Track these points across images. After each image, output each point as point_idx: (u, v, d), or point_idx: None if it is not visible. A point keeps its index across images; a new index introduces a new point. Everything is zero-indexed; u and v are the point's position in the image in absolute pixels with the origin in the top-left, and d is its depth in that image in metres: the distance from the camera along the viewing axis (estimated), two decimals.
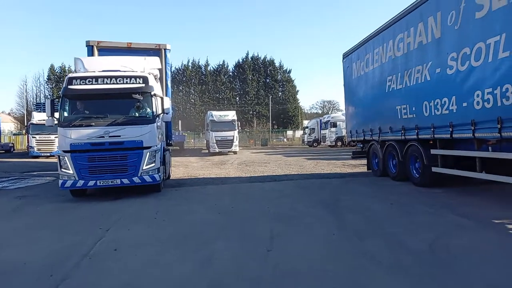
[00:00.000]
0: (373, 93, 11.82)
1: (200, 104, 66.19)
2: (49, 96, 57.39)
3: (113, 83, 9.12)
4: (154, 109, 9.40)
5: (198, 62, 72.13)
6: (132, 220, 6.84)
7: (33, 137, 27.95)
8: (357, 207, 7.33)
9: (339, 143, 38.25)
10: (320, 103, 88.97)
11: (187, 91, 70.52)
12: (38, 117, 28.25)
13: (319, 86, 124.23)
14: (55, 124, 9.32)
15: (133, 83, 9.25)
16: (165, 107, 9.78)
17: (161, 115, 9.80)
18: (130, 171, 9.07)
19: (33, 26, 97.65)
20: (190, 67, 70.85)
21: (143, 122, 9.22)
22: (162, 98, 9.74)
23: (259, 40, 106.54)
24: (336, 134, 38.28)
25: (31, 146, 28.44)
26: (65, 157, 8.85)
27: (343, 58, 14.32)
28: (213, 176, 14.32)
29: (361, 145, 13.69)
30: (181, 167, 18.89)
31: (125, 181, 9.04)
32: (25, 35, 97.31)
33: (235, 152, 30.55)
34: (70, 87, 9.03)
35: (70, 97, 9.20)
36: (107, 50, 12.22)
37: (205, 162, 23.13)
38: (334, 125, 38.56)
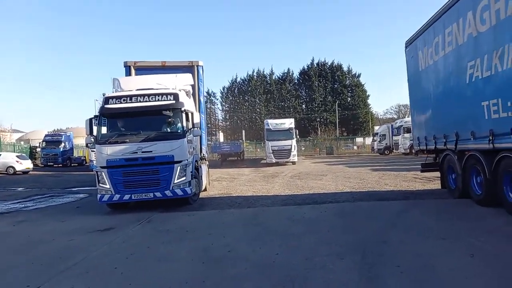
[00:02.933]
0: (446, 87, 8.81)
1: (265, 113, 64.74)
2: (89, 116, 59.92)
3: (146, 101, 9.42)
4: (185, 124, 9.65)
5: (263, 71, 71.21)
6: (83, 270, 4.95)
7: (92, 150, 28.38)
8: (411, 261, 4.60)
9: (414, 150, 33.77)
10: (395, 108, 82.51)
11: (252, 101, 69.83)
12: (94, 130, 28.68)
13: (394, 89, 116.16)
14: (92, 142, 9.68)
15: (164, 100, 9.50)
16: (195, 122, 10.11)
17: (192, 129, 9.99)
18: (162, 184, 9.26)
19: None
20: (255, 77, 70.08)
21: (173, 137, 9.46)
22: (192, 113, 10.07)
23: (325, 45, 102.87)
24: (411, 140, 33.70)
25: (91, 160, 28.94)
26: (102, 173, 9.26)
27: (406, 47, 11.35)
28: (249, 194, 12.27)
29: (433, 156, 10.58)
30: (226, 181, 17.15)
31: (158, 194, 9.26)
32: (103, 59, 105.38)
33: (293, 163, 28.15)
34: (106, 106, 9.42)
35: (107, 116, 9.58)
36: (143, 69, 12.75)
37: (257, 174, 21.19)
38: (408, 130, 34.00)
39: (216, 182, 16.75)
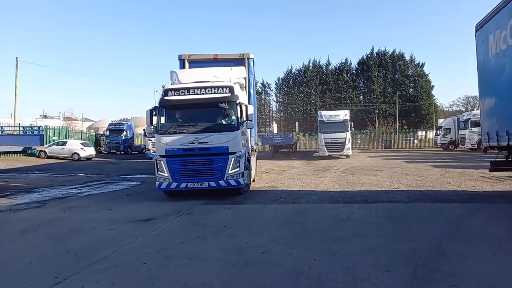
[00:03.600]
0: None
1: (321, 105, 63.16)
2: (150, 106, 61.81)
3: (202, 93, 9.69)
4: (239, 117, 9.88)
5: (319, 62, 69.50)
6: (113, 263, 4.83)
7: (149, 139, 29.42)
8: (474, 281, 3.85)
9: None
10: (463, 99, 76.58)
11: (308, 92, 68.61)
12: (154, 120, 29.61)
13: (462, 79, 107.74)
14: (152, 131, 10.31)
15: (220, 92, 9.73)
16: (249, 114, 10.20)
17: (246, 122, 10.19)
18: (217, 175, 9.54)
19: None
20: (310, 68, 68.62)
21: (228, 129, 9.71)
22: (246, 106, 10.19)
23: (386, 33, 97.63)
24: (479, 134, 30.99)
25: (147, 148, 30.04)
26: (161, 161, 9.64)
27: (476, 31, 10.04)
28: (296, 188, 11.77)
29: (505, 153, 9.32)
30: (274, 174, 16.79)
31: (212, 184, 9.54)
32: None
33: (347, 156, 27.01)
34: (166, 98, 9.75)
35: (166, 107, 9.93)
36: (196, 62, 13.06)
37: (307, 167, 20.57)
38: (477, 124, 31.13)
39: (265, 174, 16.43)
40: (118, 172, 19.59)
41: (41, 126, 29.35)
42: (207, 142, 9.48)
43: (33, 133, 25.05)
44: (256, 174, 13.83)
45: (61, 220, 7.84)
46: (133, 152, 39.65)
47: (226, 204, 9.02)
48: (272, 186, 12.48)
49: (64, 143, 28.71)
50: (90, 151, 29.02)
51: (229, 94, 9.73)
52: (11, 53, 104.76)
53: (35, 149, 28.26)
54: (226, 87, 9.85)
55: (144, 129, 35.30)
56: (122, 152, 38.53)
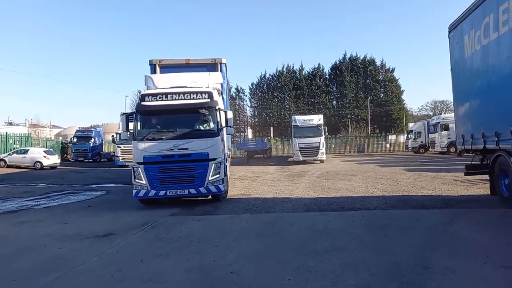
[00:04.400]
0: (500, 74, 7.44)
1: (295, 110, 63.12)
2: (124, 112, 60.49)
3: (181, 99, 9.53)
4: (219, 123, 9.79)
5: (293, 67, 69.69)
6: None
7: (118, 146, 28.31)
8: None
9: (452, 149, 31.64)
10: (431, 104, 78.69)
11: (282, 97, 68.61)
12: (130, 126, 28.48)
13: (430, 85, 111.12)
14: (128, 137, 10.13)
15: (199, 98, 9.61)
16: (229, 120, 10.13)
17: (226, 128, 10.18)
18: (197, 181, 9.38)
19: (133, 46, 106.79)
20: (284, 73, 68.70)
21: (208, 135, 9.59)
22: (226, 112, 10.17)
23: (357, 38, 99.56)
24: (449, 138, 31.76)
25: (116, 156, 28.88)
26: (139, 169, 9.35)
27: (449, 32, 9.94)
28: (270, 195, 11.30)
29: (480, 157, 9.18)
30: (248, 180, 16.27)
31: (192, 191, 9.37)
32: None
33: (321, 161, 26.85)
34: (143, 103, 9.54)
35: (143, 113, 9.68)
36: (168, 67, 12.93)
37: (282, 172, 20.18)
38: (446, 127, 32.07)
39: (238, 181, 15.90)
40: (83, 181, 18.52)
41: None
42: (187, 149, 9.31)
43: None
44: (229, 180, 13.30)
45: (8, 237, 7.02)
46: (102, 160, 38.15)
47: (195, 215, 8.42)
48: (245, 193, 11.96)
49: (26, 151, 27.02)
50: (54, 159, 27.48)
51: (208, 100, 9.63)
52: None
53: None
54: (205, 92, 9.73)
55: (112, 136, 34.12)
56: (91, 160, 37.04)
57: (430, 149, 34.99)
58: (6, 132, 31.13)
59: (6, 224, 8.25)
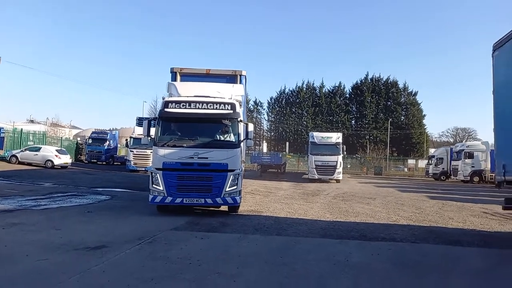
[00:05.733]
0: None
1: (312, 127, 62.18)
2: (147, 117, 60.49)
3: (204, 108, 9.49)
4: (239, 134, 9.72)
5: (313, 83, 69.01)
6: None
7: (131, 150, 27.89)
8: None
9: (476, 179, 30.21)
10: (452, 131, 76.69)
11: (300, 113, 67.82)
12: (138, 131, 28.07)
13: (452, 111, 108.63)
14: (149, 142, 10.09)
15: (222, 109, 9.58)
16: (249, 132, 10.07)
17: (245, 140, 10.13)
18: (214, 191, 9.29)
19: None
20: (304, 89, 68.08)
21: (229, 146, 9.56)
22: (247, 124, 10.22)
23: (380, 60, 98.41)
24: (472, 167, 30.43)
25: (128, 160, 28.44)
26: (157, 174, 9.28)
27: (494, 51, 8.97)
28: (283, 214, 10.46)
29: None
30: (260, 196, 15.43)
31: (209, 201, 9.31)
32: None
33: (337, 181, 25.83)
34: (166, 109, 9.58)
35: (165, 119, 9.74)
36: (188, 76, 12.93)
37: (296, 189, 19.27)
38: (470, 155, 30.72)
39: (249, 196, 15.06)
40: (91, 183, 17.96)
41: (2, 128, 27.33)
42: (207, 158, 9.26)
43: None
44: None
45: None
46: (115, 163, 37.83)
47: (199, 231, 7.61)
48: (256, 210, 11.12)
49: (38, 149, 26.74)
50: (66, 159, 27.11)
51: (231, 111, 9.61)
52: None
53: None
54: (228, 103, 9.70)
55: (126, 140, 33.82)
56: (104, 162, 36.73)
57: (452, 177, 33.52)
58: (21, 128, 31.09)
59: None
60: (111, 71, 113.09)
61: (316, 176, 25.37)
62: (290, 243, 6.77)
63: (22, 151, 26.84)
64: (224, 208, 10.30)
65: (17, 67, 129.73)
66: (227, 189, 9.30)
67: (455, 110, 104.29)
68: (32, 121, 60.49)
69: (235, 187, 9.43)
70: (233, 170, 9.41)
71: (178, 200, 9.21)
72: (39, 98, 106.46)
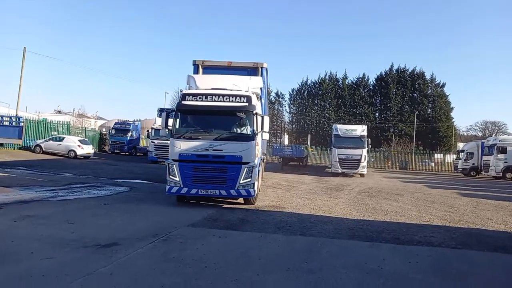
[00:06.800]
0: None
1: (334, 119, 60.73)
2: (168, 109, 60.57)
3: (220, 101, 9.65)
4: (255, 127, 9.77)
5: (336, 75, 67.34)
6: None
7: (152, 142, 27.76)
8: None
9: (509, 175, 28.71)
10: (481, 124, 73.82)
11: (322, 105, 66.50)
12: (159, 122, 27.83)
13: (481, 104, 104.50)
14: (167, 134, 10.17)
15: (237, 101, 9.68)
16: (265, 125, 10.13)
17: (261, 133, 10.21)
18: (228, 183, 9.46)
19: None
20: (327, 80, 66.56)
21: (243, 139, 9.66)
22: (262, 117, 10.22)
23: (406, 51, 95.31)
24: (505, 162, 28.93)
25: (149, 151, 28.35)
26: (174, 166, 9.51)
27: None
28: (306, 211, 9.89)
29: None
30: (282, 190, 14.88)
31: (223, 192, 9.49)
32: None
33: (362, 175, 24.95)
34: (183, 102, 9.76)
35: (183, 112, 9.97)
36: (210, 68, 13.23)
37: (318, 184, 18.63)
38: (503, 150, 29.18)
39: (271, 190, 14.54)
40: (111, 174, 17.82)
41: (21, 117, 27.52)
42: (222, 150, 9.42)
43: (11, 124, 23.10)
44: (260, 186, 12.25)
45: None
46: (137, 154, 38.03)
47: (217, 229, 7.14)
48: (278, 205, 10.58)
49: (62, 139, 26.97)
50: (88, 149, 27.24)
51: (247, 104, 9.68)
52: (21, 43, 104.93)
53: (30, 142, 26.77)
54: (244, 96, 9.78)
55: (148, 130, 33.79)
56: (127, 153, 36.99)
57: (483, 172, 32.02)
58: (45, 118, 31.49)
59: (8, 217, 7.32)
60: (136, 63, 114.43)
61: (340, 170, 24.57)
62: (316, 245, 6.19)
63: (46, 141, 27.14)
64: (241, 200, 10.31)
65: (46, 59, 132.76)
66: (241, 181, 9.43)
67: (483, 103, 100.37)
68: (59, 112, 61.82)
69: (249, 179, 9.54)
70: (247, 163, 9.51)
71: (194, 191, 9.39)
72: (67, 90, 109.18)
